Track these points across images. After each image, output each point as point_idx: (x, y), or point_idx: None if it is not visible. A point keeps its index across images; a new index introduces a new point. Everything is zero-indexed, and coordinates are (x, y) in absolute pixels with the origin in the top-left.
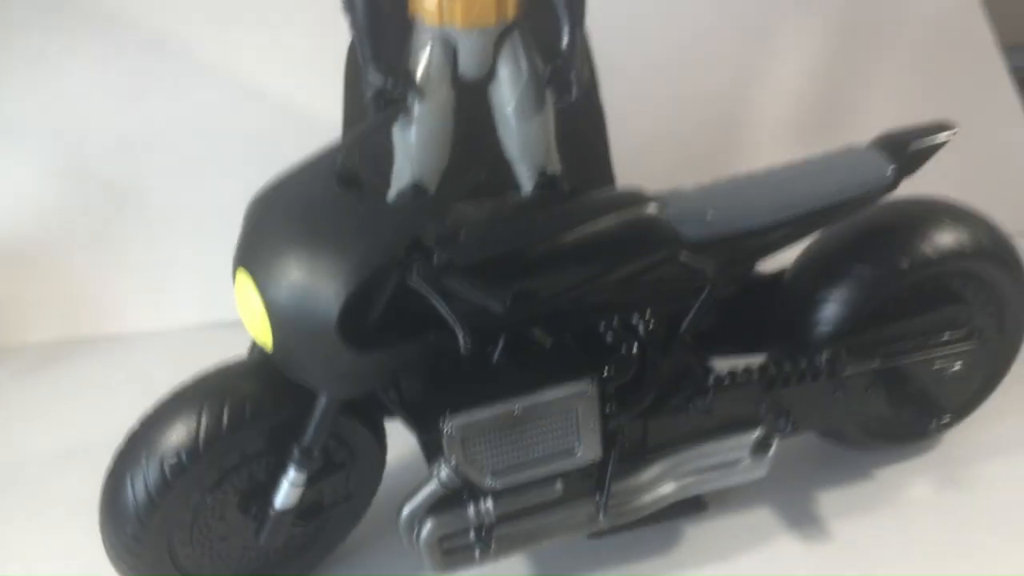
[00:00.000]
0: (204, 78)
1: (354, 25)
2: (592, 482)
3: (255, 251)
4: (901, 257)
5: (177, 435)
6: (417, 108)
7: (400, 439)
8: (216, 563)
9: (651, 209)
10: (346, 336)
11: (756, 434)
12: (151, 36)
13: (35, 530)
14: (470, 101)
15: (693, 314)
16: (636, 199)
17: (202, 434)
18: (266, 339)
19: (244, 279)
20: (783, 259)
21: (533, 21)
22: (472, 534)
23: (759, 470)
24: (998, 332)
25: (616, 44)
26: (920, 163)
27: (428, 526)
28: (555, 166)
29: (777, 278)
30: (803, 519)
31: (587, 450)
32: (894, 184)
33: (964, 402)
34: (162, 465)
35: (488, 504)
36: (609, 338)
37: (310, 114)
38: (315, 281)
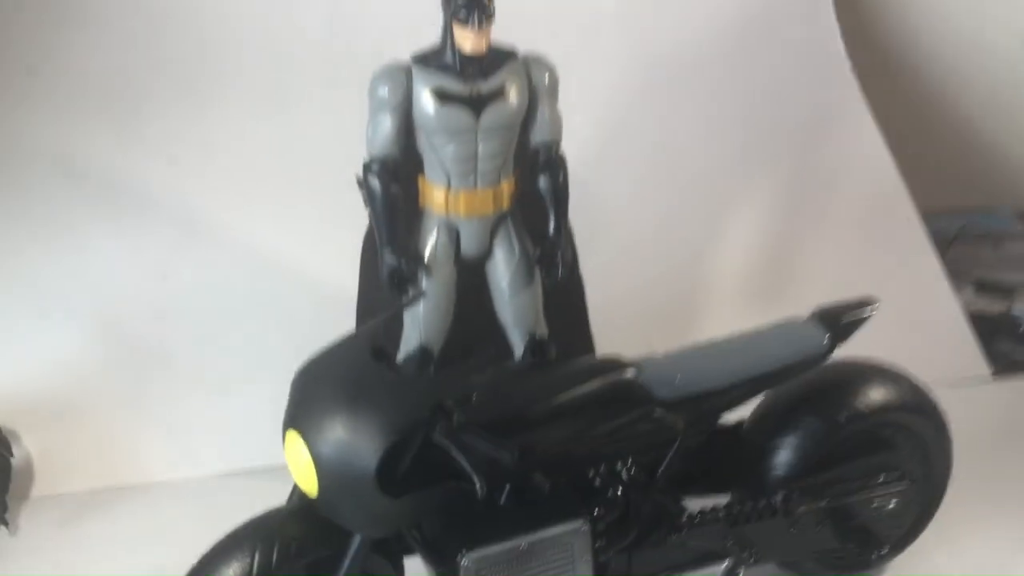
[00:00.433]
0: (226, 256)
1: (373, 215)
2: None
3: (304, 414)
4: (839, 411)
5: (234, 570)
6: (425, 283)
7: None
8: None
9: (628, 374)
10: (382, 484)
11: (725, 565)
12: (181, 221)
13: None
14: (470, 277)
15: (667, 461)
16: (616, 366)
17: (255, 569)
18: (312, 488)
19: (294, 438)
20: (741, 412)
21: (524, 210)
22: None
23: None
24: (925, 474)
25: (594, 228)
26: (850, 333)
27: None
28: (543, 331)
29: (736, 429)
30: None
31: None
32: (829, 351)
33: (901, 535)
34: None
35: None
36: (598, 483)
37: (321, 288)
38: (356, 439)
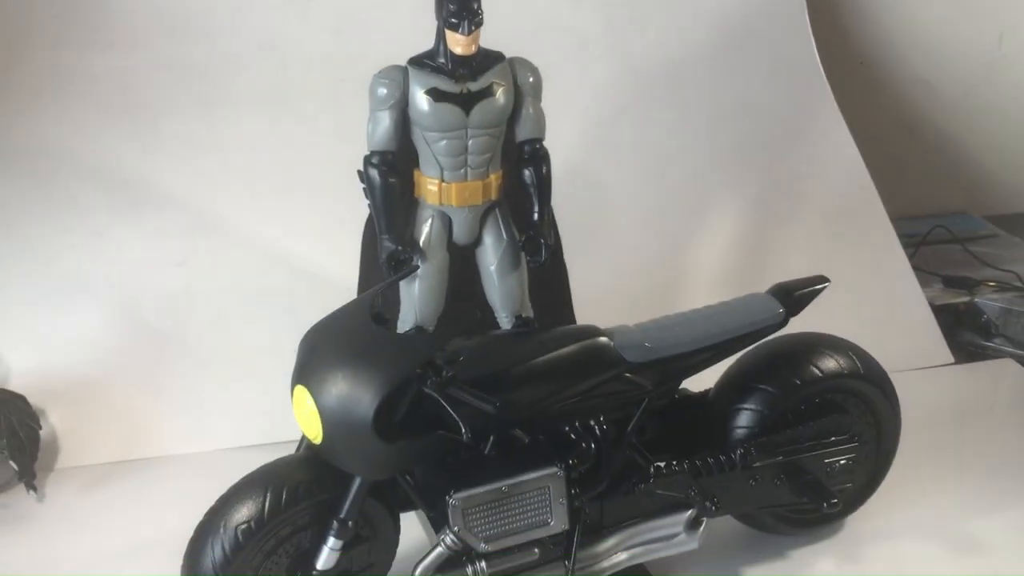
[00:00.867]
0: (237, 246)
1: (373, 204)
2: (562, 549)
3: (310, 370)
4: (795, 377)
5: (247, 509)
6: (420, 267)
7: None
8: None
9: (602, 340)
10: (378, 431)
11: (688, 514)
12: (195, 213)
13: None
14: (461, 262)
15: (636, 419)
16: (591, 332)
17: (267, 508)
18: (317, 436)
19: (301, 392)
20: (708, 382)
21: (511, 199)
22: None
23: (692, 543)
24: (875, 438)
25: (580, 223)
26: (803, 306)
27: None
28: (528, 311)
29: (704, 396)
30: None
31: (557, 521)
32: (784, 321)
33: (853, 493)
34: (236, 530)
35: (482, 564)
36: (572, 437)
37: (324, 275)
38: (356, 391)
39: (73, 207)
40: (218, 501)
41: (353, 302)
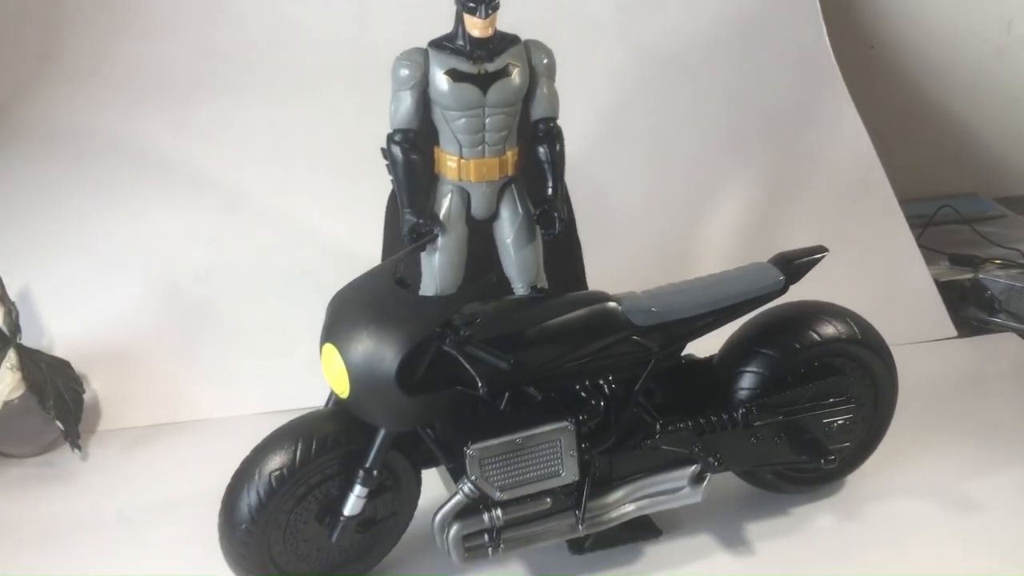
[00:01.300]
0: (266, 223)
1: (395, 180)
2: (573, 500)
3: (338, 330)
4: (795, 341)
5: (280, 458)
6: (440, 240)
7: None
8: (299, 561)
9: (611, 304)
10: (401, 385)
11: (692, 469)
12: (226, 192)
13: (145, 560)
14: (479, 236)
15: (643, 379)
16: (601, 298)
17: (298, 457)
18: (344, 390)
19: (330, 350)
20: (713, 349)
21: (526, 175)
22: (486, 536)
23: (696, 497)
24: (872, 401)
25: (595, 202)
26: (802, 274)
27: (454, 528)
28: (543, 283)
29: (709, 361)
30: (735, 541)
31: (568, 473)
32: (784, 288)
33: (851, 453)
34: (270, 476)
35: (498, 512)
36: (583, 395)
37: (347, 251)
38: (380, 349)
39: (113, 187)
40: (253, 451)
41: (377, 267)
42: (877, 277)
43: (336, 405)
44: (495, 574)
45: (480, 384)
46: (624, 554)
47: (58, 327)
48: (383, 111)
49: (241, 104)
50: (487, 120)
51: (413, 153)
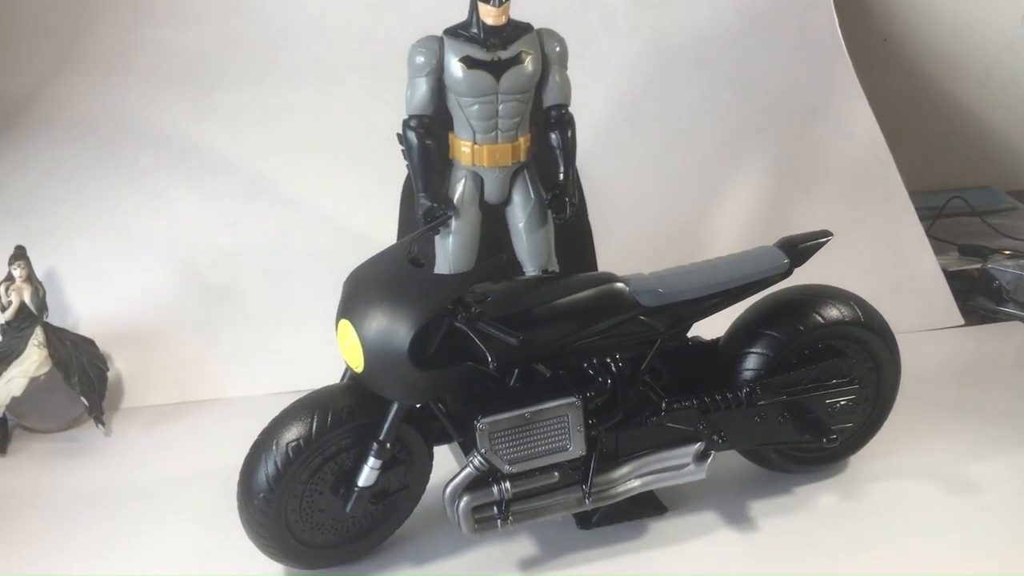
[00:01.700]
0: (285, 208)
1: (410, 165)
2: (579, 474)
3: (354, 306)
4: (799, 323)
5: (297, 429)
6: (453, 224)
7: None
8: (314, 530)
9: (619, 285)
10: (413, 360)
11: (697, 446)
12: (247, 177)
13: (168, 530)
14: (492, 220)
15: (649, 358)
16: (609, 278)
17: (314, 429)
18: (359, 365)
19: (345, 325)
20: (719, 330)
21: (538, 161)
22: (495, 508)
23: (700, 474)
24: (875, 383)
25: (607, 190)
26: (806, 257)
27: (464, 500)
28: (554, 266)
29: (715, 343)
30: (739, 519)
31: (575, 447)
32: (788, 272)
33: (854, 434)
34: (287, 447)
35: (506, 485)
36: (590, 372)
37: (363, 236)
38: (394, 325)
39: (137, 172)
40: (271, 422)
41: (392, 247)
42: (886, 266)
43: (351, 380)
44: (504, 547)
45: (490, 360)
46: (630, 530)
47: (83, 307)
48: (399, 98)
49: (260, 92)
50: (500, 107)
51: (428, 138)
